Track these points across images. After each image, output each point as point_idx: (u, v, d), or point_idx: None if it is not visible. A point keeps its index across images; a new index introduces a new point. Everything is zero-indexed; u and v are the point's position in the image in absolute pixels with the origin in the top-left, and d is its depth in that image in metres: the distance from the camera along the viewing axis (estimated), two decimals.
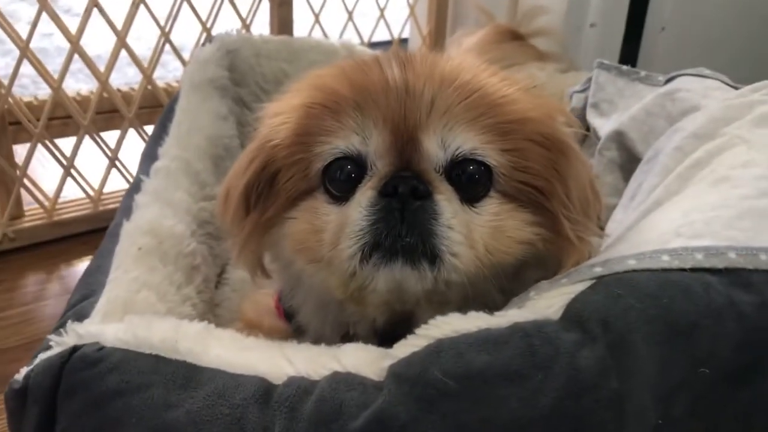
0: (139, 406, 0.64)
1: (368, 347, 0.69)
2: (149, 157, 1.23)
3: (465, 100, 0.75)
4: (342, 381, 0.63)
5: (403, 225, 0.71)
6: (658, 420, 0.64)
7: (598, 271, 0.71)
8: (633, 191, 1.11)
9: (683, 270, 0.70)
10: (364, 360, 0.66)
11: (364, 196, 0.73)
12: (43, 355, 0.71)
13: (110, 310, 0.84)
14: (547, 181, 0.78)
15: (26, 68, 1.54)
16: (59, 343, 0.71)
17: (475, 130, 0.75)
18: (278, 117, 0.81)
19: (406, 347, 0.65)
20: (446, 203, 0.73)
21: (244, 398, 0.63)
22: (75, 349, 0.69)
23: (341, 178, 0.76)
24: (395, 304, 0.77)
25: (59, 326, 0.79)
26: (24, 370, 0.71)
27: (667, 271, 0.69)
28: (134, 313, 0.85)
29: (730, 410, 0.67)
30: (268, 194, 0.81)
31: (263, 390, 0.64)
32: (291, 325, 0.94)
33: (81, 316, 0.83)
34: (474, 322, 0.65)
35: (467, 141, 0.75)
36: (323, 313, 0.86)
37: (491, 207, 0.76)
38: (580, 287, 0.69)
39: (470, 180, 0.76)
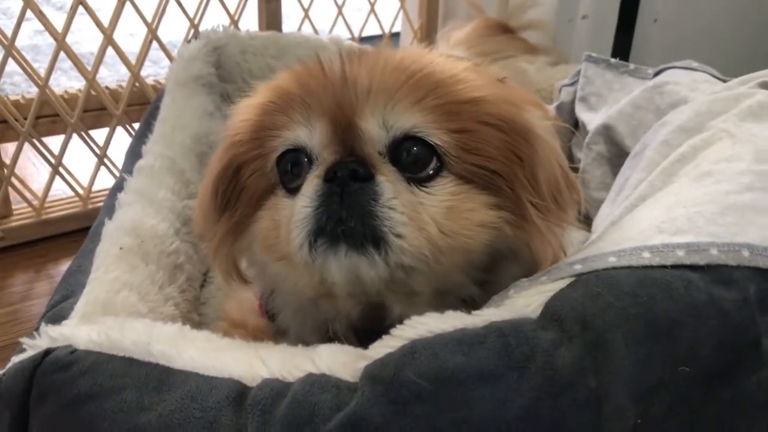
0: (112, 410, 0.63)
1: (344, 348, 0.68)
2: (133, 155, 1.22)
3: (407, 81, 0.74)
4: (316, 383, 0.62)
5: (342, 208, 0.70)
6: (636, 420, 0.62)
7: (578, 268, 0.70)
8: (620, 186, 1.10)
9: (664, 267, 0.68)
10: (339, 361, 0.65)
11: (310, 184, 0.73)
12: (16, 359, 0.70)
13: (89, 311, 0.84)
14: (505, 164, 0.75)
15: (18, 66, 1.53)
16: (32, 346, 0.70)
17: (419, 110, 0.74)
18: (239, 116, 0.84)
19: (381, 348, 0.63)
20: (388, 184, 0.72)
21: (217, 401, 0.62)
22: (48, 352, 0.68)
23: (293, 171, 0.77)
24: (360, 295, 0.75)
25: (36, 329, 0.78)
26: None
27: (647, 269, 0.68)
28: (114, 313, 0.84)
29: (711, 410, 0.66)
30: (234, 193, 0.82)
31: (237, 393, 0.63)
32: (273, 326, 0.93)
33: (59, 318, 0.82)
34: (450, 321, 0.64)
35: (408, 120, 0.74)
36: (302, 315, 0.86)
37: (445, 187, 0.74)
38: (560, 285, 0.68)
39: (415, 160, 0.74)
